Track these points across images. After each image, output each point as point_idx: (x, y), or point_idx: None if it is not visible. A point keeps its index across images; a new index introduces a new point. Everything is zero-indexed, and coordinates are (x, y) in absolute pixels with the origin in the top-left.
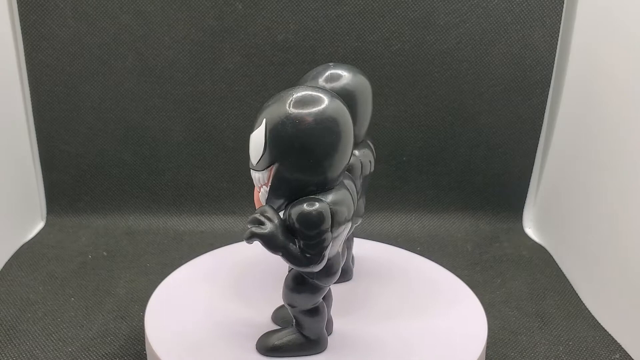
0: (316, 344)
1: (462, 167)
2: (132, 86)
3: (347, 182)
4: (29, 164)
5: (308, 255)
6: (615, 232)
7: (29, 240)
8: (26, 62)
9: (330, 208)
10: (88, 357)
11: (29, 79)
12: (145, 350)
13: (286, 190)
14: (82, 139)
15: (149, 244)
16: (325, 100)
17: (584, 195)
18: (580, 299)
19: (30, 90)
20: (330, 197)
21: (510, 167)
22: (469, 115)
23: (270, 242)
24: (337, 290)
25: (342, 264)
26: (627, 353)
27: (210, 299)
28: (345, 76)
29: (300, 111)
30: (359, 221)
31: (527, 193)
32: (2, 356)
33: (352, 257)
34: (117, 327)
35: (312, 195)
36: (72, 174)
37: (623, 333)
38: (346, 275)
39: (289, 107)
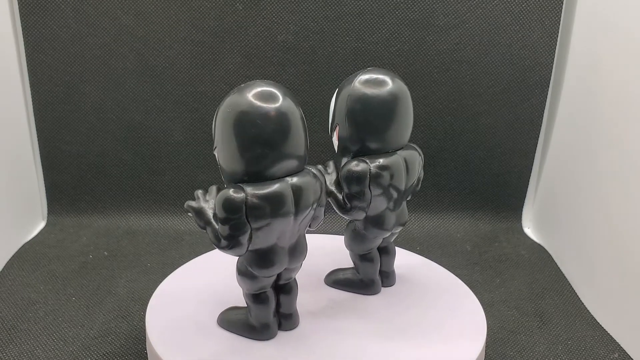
0: (256, 331)
1: (461, 167)
2: (132, 86)
3: (300, 179)
4: (30, 164)
5: (223, 238)
6: (614, 232)
7: (30, 240)
8: (27, 62)
9: (247, 199)
10: (89, 357)
11: (30, 80)
12: (146, 350)
13: (226, 174)
14: (83, 139)
15: (150, 243)
16: (270, 97)
17: (583, 195)
18: (579, 298)
19: (32, 90)
20: (255, 190)
21: (510, 167)
22: (468, 115)
23: (197, 216)
24: (341, 293)
25: (287, 263)
26: (625, 352)
27: (211, 299)
28: (386, 82)
29: (237, 101)
30: (386, 234)
31: (526, 193)
32: (4, 355)
33: (392, 274)
34: (118, 326)
35: (245, 183)
36: (72, 174)
37: (622, 332)
38: (371, 287)
39: (232, 96)
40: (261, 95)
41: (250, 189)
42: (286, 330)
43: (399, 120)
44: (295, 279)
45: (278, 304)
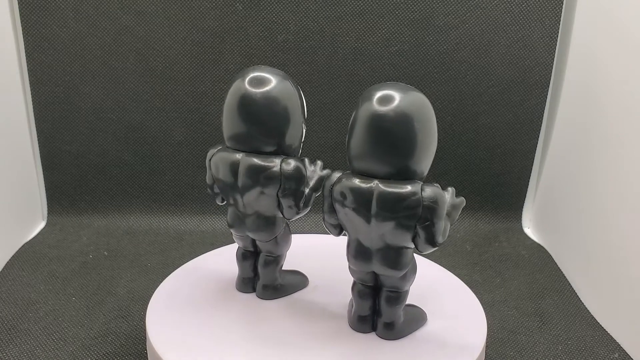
0: (237, 281)
1: (461, 167)
2: (132, 86)
3: (249, 158)
4: (30, 164)
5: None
6: (613, 232)
7: (30, 240)
8: (27, 62)
9: (211, 157)
10: (89, 357)
11: (29, 80)
12: (146, 350)
13: None
14: (83, 139)
15: (150, 243)
16: (254, 81)
17: (583, 195)
18: (579, 298)
19: (32, 90)
20: (215, 152)
21: (510, 167)
22: (468, 115)
23: None
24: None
25: (247, 231)
26: (625, 352)
27: (211, 298)
28: (382, 100)
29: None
30: (356, 268)
31: (526, 193)
32: (4, 355)
33: (393, 326)
34: (118, 326)
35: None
36: (73, 174)
37: (622, 332)
38: (356, 324)
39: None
40: (248, 78)
41: (214, 150)
42: (263, 299)
43: (379, 145)
44: (276, 257)
45: (257, 272)
